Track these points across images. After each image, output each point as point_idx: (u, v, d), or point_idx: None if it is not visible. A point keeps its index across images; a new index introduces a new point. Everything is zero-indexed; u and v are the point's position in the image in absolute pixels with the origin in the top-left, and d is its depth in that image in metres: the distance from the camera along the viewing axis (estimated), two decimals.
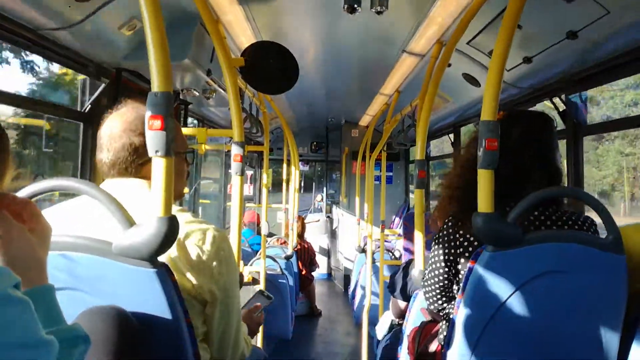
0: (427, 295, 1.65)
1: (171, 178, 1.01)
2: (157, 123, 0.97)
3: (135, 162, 1.25)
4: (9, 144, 0.75)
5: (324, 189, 8.50)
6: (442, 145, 5.89)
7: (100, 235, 1.05)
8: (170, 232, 1.00)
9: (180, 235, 1.13)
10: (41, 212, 0.78)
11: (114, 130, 1.27)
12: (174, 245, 1.10)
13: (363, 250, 5.14)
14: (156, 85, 0.98)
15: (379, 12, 2.33)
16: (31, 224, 0.76)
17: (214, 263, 1.20)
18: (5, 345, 0.55)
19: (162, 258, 1.06)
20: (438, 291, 1.58)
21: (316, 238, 7.73)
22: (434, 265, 1.54)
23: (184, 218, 1.19)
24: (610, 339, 1.31)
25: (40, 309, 0.66)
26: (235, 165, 1.81)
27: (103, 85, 2.44)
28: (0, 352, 0.55)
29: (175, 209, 1.23)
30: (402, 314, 2.63)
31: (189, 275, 1.16)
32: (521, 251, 1.24)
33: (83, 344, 0.74)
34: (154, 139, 0.98)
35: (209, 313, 1.23)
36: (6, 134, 0.74)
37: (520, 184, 1.40)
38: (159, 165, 1.00)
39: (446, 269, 1.51)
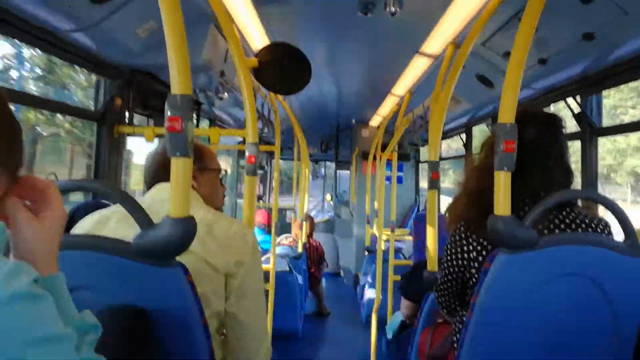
0: (440, 300, 1.64)
1: (189, 178, 1.02)
2: (177, 125, 0.98)
3: None
4: (22, 133, 0.74)
5: (334, 189, 8.50)
6: (452, 144, 5.86)
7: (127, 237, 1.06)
8: (187, 233, 1.01)
9: (208, 221, 1.25)
10: (60, 198, 0.76)
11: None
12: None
13: (373, 250, 5.13)
14: (176, 88, 0.99)
15: (392, 14, 2.33)
16: (44, 210, 0.74)
17: (241, 243, 1.29)
18: (33, 341, 0.56)
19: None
20: (451, 296, 1.58)
21: (326, 237, 7.74)
22: (447, 271, 1.54)
23: (212, 212, 1.33)
24: (628, 343, 1.30)
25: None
26: (248, 166, 1.82)
27: (117, 85, 2.47)
28: (28, 347, 0.55)
29: (205, 207, 1.35)
30: (413, 315, 2.62)
31: (214, 248, 1.23)
32: (536, 254, 1.23)
33: (94, 332, 0.75)
34: (174, 140, 0.99)
35: (234, 287, 1.28)
36: (19, 123, 0.73)
37: (536, 187, 1.40)
38: (178, 166, 1.01)
39: (460, 274, 1.50)
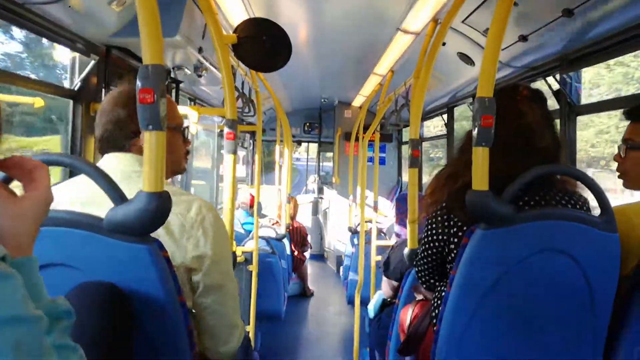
0: (419, 275, 1.65)
1: (163, 152, 1.00)
2: (149, 96, 0.95)
3: (127, 137, 1.25)
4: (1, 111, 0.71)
5: (316, 170, 8.48)
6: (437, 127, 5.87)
7: (97, 212, 1.03)
8: (161, 208, 0.98)
9: None
10: (47, 180, 0.74)
11: (103, 105, 1.29)
12: None
13: (355, 231, 5.15)
14: (147, 58, 0.96)
15: None
16: (28, 191, 0.72)
17: (199, 232, 1.20)
18: None
19: None
20: (430, 270, 1.59)
21: (308, 219, 7.75)
22: (426, 245, 1.54)
23: (169, 191, 1.19)
24: (603, 317, 1.33)
25: (22, 281, 0.65)
26: (227, 144, 1.79)
27: (93, 62, 2.41)
28: None
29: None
30: (394, 293, 2.65)
31: (168, 244, 1.15)
32: (514, 229, 1.24)
33: (67, 318, 0.73)
34: (146, 113, 0.96)
35: (197, 285, 1.22)
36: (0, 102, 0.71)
37: (524, 164, 1.38)
38: (151, 140, 0.98)
39: (439, 249, 1.51)
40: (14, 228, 0.69)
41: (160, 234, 1.13)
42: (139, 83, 0.95)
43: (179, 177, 4.12)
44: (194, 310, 1.26)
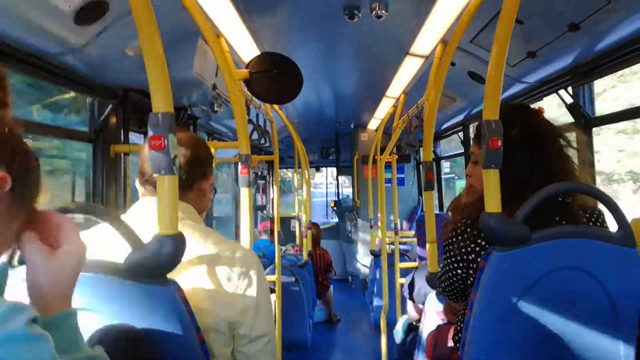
0: (446, 291, 1.63)
1: (175, 195, 1.02)
2: (159, 143, 0.98)
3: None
4: (38, 163, 0.72)
5: (337, 195, 8.48)
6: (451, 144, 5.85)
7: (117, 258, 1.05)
8: (176, 250, 1.00)
9: (207, 259, 1.16)
10: (76, 232, 0.76)
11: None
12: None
13: (378, 254, 5.12)
14: (156, 106, 0.99)
15: (378, 17, 2.34)
16: (62, 245, 0.73)
17: (245, 283, 1.20)
18: None
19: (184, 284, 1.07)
20: (455, 287, 1.57)
21: (331, 244, 7.71)
22: (449, 267, 1.53)
23: (207, 234, 1.23)
24: (629, 334, 1.29)
25: (61, 335, 0.66)
26: (242, 178, 1.81)
27: (111, 105, 2.48)
28: None
29: (205, 229, 1.26)
30: (420, 317, 2.62)
31: (211, 301, 1.15)
32: (530, 249, 1.22)
33: None
34: (157, 159, 0.99)
35: (242, 336, 1.21)
36: (35, 156, 0.71)
37: (538, 181, 1.36)
38: (163, 184, 1.01)
39: (464, 269, 1.49)
40: (55, 284, 0.71)
41: (204, 281, 1.15)
42: (149, 130, 0.98)
43: None
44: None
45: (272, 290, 3.46)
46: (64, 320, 0.70)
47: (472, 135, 4.41)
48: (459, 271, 1.50)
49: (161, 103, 0.99)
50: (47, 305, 0.70)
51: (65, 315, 0.71)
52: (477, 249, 1.44)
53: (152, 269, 1.00)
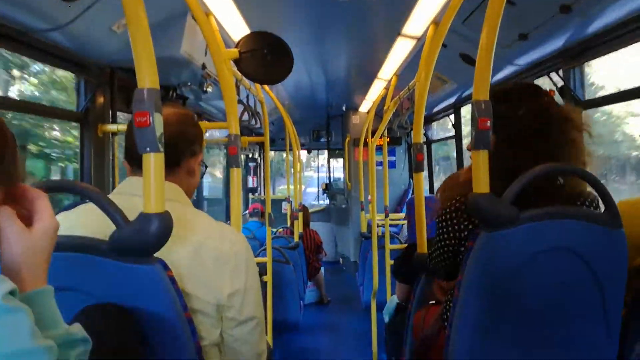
0: (436, 268, 1.63)
1: (162, 173, 1.00)
2: (145, 119, 0.96)
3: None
4: (15, 142, 0.71)
5: (328, 177, 8.49)
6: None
7: (102, 235, 1.04)
8: (162, 228, 0.99)
9: (195, 241, 1.14)
10: (50, 208, 0.75)
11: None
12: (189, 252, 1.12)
13: (369, 236, 5.14)
14: (141, 82, 0.97)
15: None
16: (36, 221, 0.73)
17: (232, 266, 1.18)
18: (2, 356, 0.55)
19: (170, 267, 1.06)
20: (446, 264, 1.58)
21: (322, 226, 7.74)
22: (442, 243, 1.54)
23: (196, 215, 1.22)
24: (614, 313, 1.31)
25: (37, 312, 0.65)
26: (230, 158, 1.80)
27: (98, 85, 2.45)
28: None
29: (193, 211, 1.25)
30: (407, 298, 2.63)
31: (202, 281, 1.14)
32: (518, 230, 1.23)
33: (82, 345, 0.74)
34: (143, 136, 0.97)
35: (231, 319, 1.20)
36: (11, 133, 0.70)
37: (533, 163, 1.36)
38: (149, 162, 0.99)
39: (455, 245, 1.50)
40: (30, 260, 0.70)
41: (193, 271, 1.13)
42: (134, 106, 0.96)
43: None
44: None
45: (263, 272, 3.47)
46: (38, 297, 0.70)
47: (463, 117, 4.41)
48: (451, 248, 1.51)
49: (147, 78, 0.97)
50: (21, 282, 0.69)
51: (40, 292, 0.71)
52: (471, 226, 1.45)
53: (138, 247, 0.99)
